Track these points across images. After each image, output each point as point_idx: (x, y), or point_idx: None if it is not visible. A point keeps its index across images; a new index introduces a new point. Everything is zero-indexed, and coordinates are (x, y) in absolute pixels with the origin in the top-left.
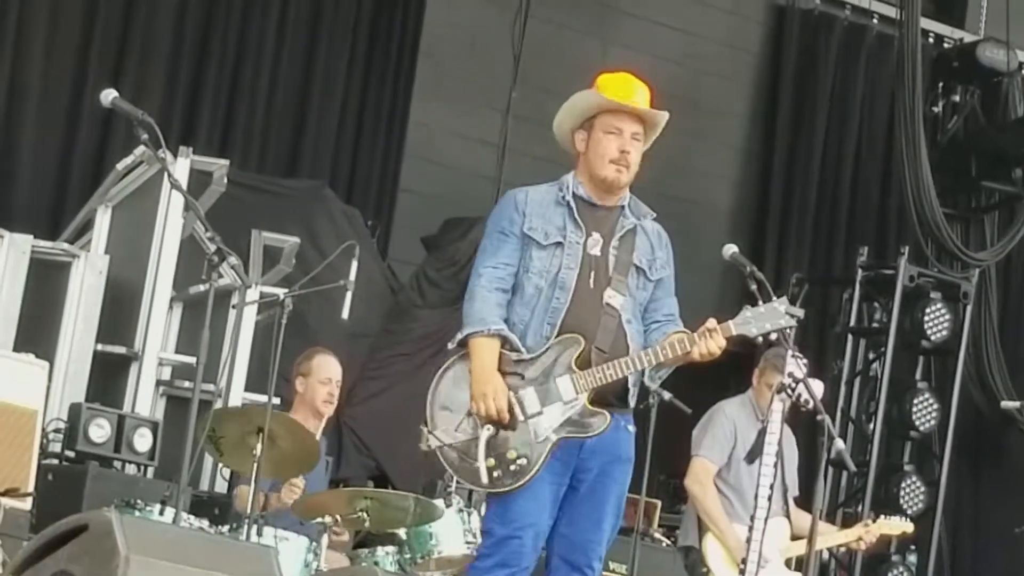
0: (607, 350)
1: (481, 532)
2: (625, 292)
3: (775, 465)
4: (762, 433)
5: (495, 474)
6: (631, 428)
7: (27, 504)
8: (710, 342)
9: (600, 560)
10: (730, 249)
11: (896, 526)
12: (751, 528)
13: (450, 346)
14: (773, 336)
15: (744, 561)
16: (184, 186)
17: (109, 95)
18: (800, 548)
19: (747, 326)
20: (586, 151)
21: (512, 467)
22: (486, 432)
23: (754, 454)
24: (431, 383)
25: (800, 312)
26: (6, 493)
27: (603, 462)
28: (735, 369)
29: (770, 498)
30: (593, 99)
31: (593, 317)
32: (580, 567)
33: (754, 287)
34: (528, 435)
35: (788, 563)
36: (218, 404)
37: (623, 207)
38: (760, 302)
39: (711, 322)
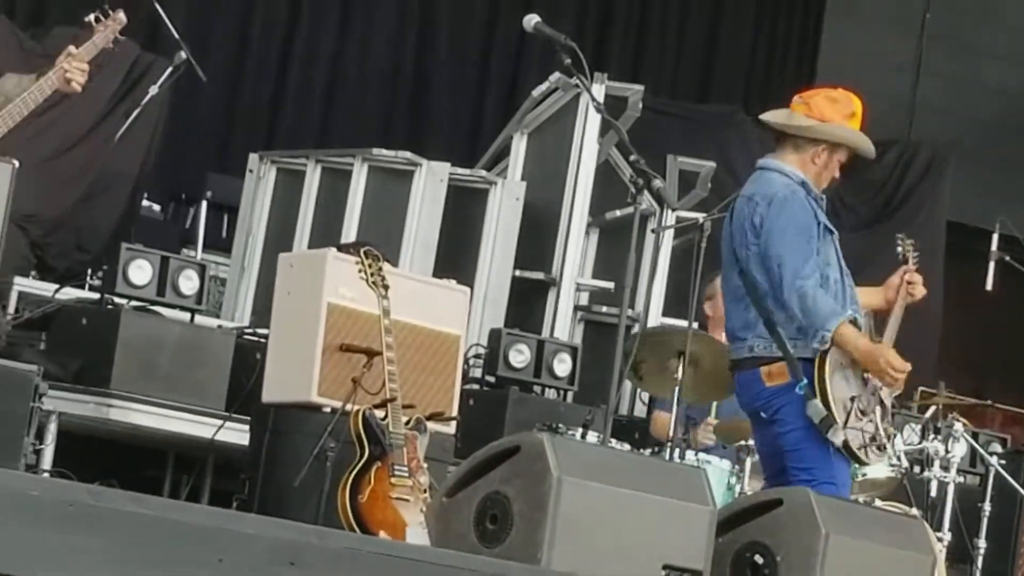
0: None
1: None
2: None
3: None
4: None
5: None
6: None
7: (451, 428)
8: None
9: None
10: None
11: None
12: None
13: (817, 346)
14: None
15: None
16: None
17: (532, 20)
18: None
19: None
20: (821, 167)
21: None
22: (878, 413)
23: None
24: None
25: None
26: (431, 417)
27: None
28: None
29: None
30: (862, 144)
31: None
32: None
33: None
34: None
35: None
36: (636, 330)
37: None
38: None
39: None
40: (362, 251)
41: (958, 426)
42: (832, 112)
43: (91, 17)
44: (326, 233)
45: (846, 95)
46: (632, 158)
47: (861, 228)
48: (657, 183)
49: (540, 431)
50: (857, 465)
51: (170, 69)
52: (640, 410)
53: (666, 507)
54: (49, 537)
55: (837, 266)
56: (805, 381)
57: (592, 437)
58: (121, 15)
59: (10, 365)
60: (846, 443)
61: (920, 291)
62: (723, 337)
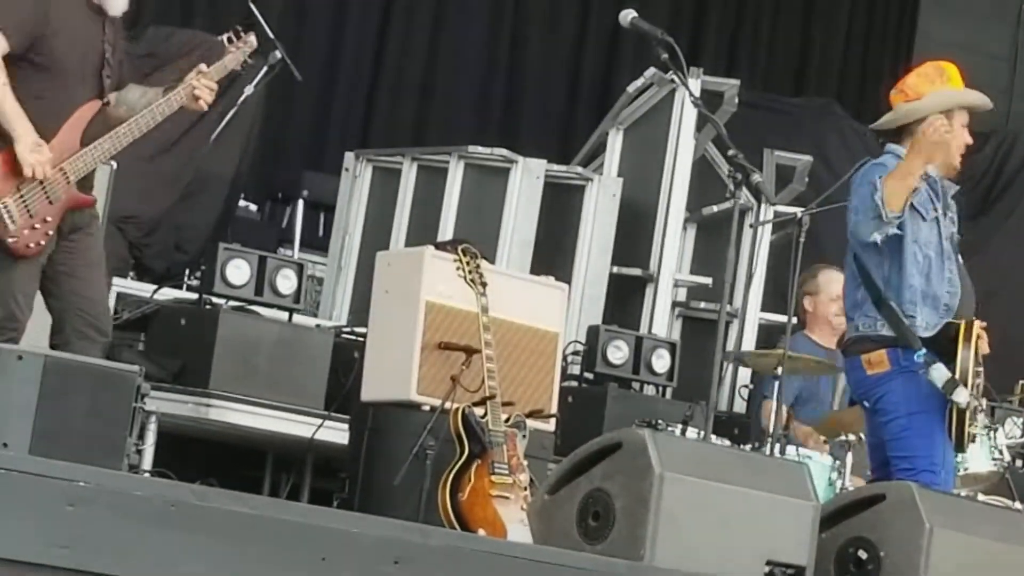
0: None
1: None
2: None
3: None
4: None
5: None
6: None
7: (551, 426)
8: None
9: None
10: None
11: None
12: None
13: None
14: None
15: None
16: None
17: (628, 15)
18: None
19: None
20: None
21: None
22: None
23: None
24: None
25: None
26: (531, 415)
27: None
28: None
29: None
30: (970, 98)
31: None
32: None
33: None
34: None
35: None
36: (735, 325)
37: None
38: None
39: None
40: (460, 249)
41: None
42: (926, 85)
43: (223, 37)
44: (423, 231)
45: (933, 64)
46: (730, 153)
47: (962, 220)
48: (755, 177)
49: (640, 427)
50: (959, 454)
51: (265, 69)
52: (740, 406)
53: (769, 503)
54: (153, 537)
55: (937, 247)
56: (924, 350)
57: (692, 433)
58: (252, 38)
59: (112, 366)
60: (964, 411)
61: (985, 347)
62: (827, 331)
